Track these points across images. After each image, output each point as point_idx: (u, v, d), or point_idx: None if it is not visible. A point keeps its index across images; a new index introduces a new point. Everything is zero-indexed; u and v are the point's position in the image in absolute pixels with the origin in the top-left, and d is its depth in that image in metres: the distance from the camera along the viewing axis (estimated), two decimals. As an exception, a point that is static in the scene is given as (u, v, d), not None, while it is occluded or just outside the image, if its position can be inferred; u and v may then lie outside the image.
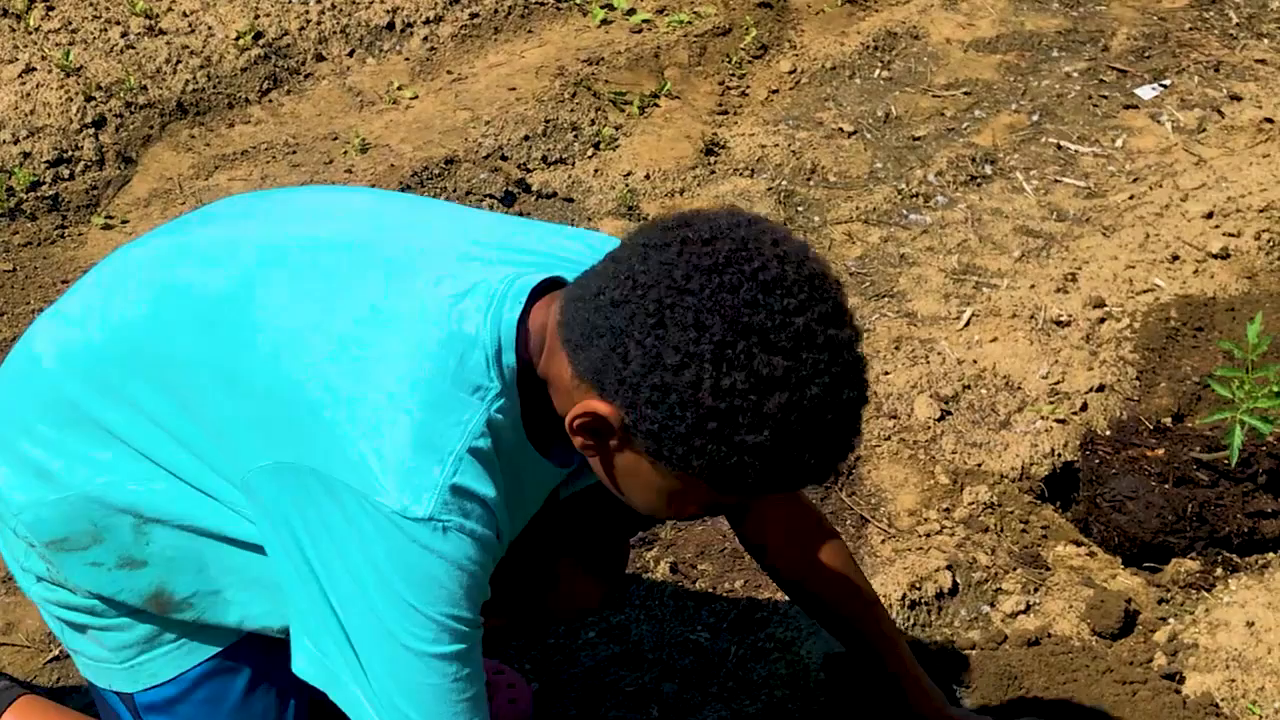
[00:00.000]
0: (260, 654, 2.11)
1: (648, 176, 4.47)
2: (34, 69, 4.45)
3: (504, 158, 4.48)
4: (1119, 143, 4.70)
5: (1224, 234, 4.13)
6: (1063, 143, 4.72)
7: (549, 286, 1.90)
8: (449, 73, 5.01)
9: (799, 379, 1.66)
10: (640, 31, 5.26)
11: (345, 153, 4.47)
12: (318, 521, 1.81)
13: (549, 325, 1.84)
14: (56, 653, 2.81)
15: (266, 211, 2.10)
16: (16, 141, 4.23)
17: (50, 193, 4.18)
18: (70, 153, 4.29)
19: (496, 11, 5.28)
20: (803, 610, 2.61)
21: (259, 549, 1.93)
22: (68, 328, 2.05)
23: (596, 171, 4.50)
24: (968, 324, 3.82)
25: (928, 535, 3.17)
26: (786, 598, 2.97)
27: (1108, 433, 3.44)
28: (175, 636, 2.11)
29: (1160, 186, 4.42)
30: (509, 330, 1.84)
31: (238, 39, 4.82)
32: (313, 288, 1.90)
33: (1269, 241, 4.09)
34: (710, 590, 3.04)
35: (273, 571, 1.90)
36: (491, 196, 4.25)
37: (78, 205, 4.20)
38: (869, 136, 4.77)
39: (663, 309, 1.67)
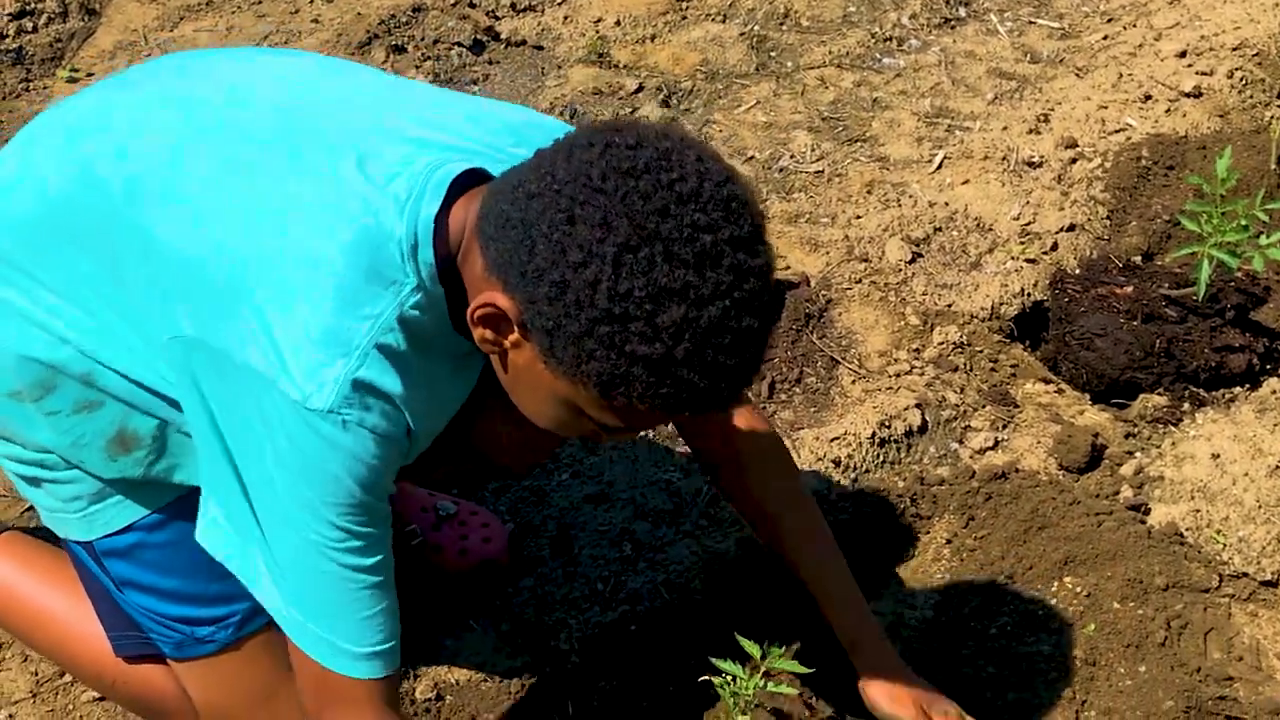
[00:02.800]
0: None
1: (618, 23, 4.42)
2: (-9, -80, 4.36)
3: (472, 5, 4.43)
4: (1094, -17, 4.66)
5: (1197, 73, 4.10)
6: (1037, -16, 4.67)
7: (472, 180, 1.87)
8: (415, -80, 4.93)
9: (697, 296, 1.64)
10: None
11: (311, 1, 4.41)
12: (228, 399, 1.82)
13: (469, 221, 1.82)
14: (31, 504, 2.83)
15: (200, 77, 2.06)
16: (-24, -6, 4.16)
17: (14, 45, 4.13)
18: (33, 4, 4.22)
19: None
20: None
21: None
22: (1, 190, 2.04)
23: (566, 19, 4.45)
24: (940, 167, 3.81)
25: (897, 375, 3.19)
26: (758, 438, 3.00)
27: (1077, 272, 3.46)
28: (123, 491, 2.13)
29: (1134, 26, 4.39)
30: (426, 225, 1.81)
31: (199, -113, 4.72)
32: (238, 162, 1.88)
33: (1241, 80, 4.08)
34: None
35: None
36: (460, 45, 4.20)
37: (42, 58, 4.14)
38: (842, -20, 4.71)
39: (574, 205, 1.65)
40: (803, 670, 2.35)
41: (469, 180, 1.86)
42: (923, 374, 3.19)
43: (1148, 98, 4.02)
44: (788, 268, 3.45)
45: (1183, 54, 4.18)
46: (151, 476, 2.08)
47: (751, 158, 3.87)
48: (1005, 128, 3.94)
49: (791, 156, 3.86)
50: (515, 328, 1.74)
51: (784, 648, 2.28)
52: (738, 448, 2.38)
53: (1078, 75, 4.19)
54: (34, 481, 2.16)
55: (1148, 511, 2.89)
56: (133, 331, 1.92)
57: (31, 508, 2.82)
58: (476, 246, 1.78)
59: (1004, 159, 3.80)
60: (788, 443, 2.98)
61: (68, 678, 2.55)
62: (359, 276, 1.79)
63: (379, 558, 1.90)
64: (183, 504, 2.12)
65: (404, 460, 1.92)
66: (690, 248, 1.64)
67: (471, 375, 2.06)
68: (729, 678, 2.26)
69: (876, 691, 2.34)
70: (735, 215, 1.68)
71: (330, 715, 1.96)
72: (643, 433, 1.92)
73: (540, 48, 4.35)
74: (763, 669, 2.26)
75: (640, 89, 4.11)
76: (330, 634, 1.90)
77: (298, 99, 1.98)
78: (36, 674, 2.57)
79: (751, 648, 2.28)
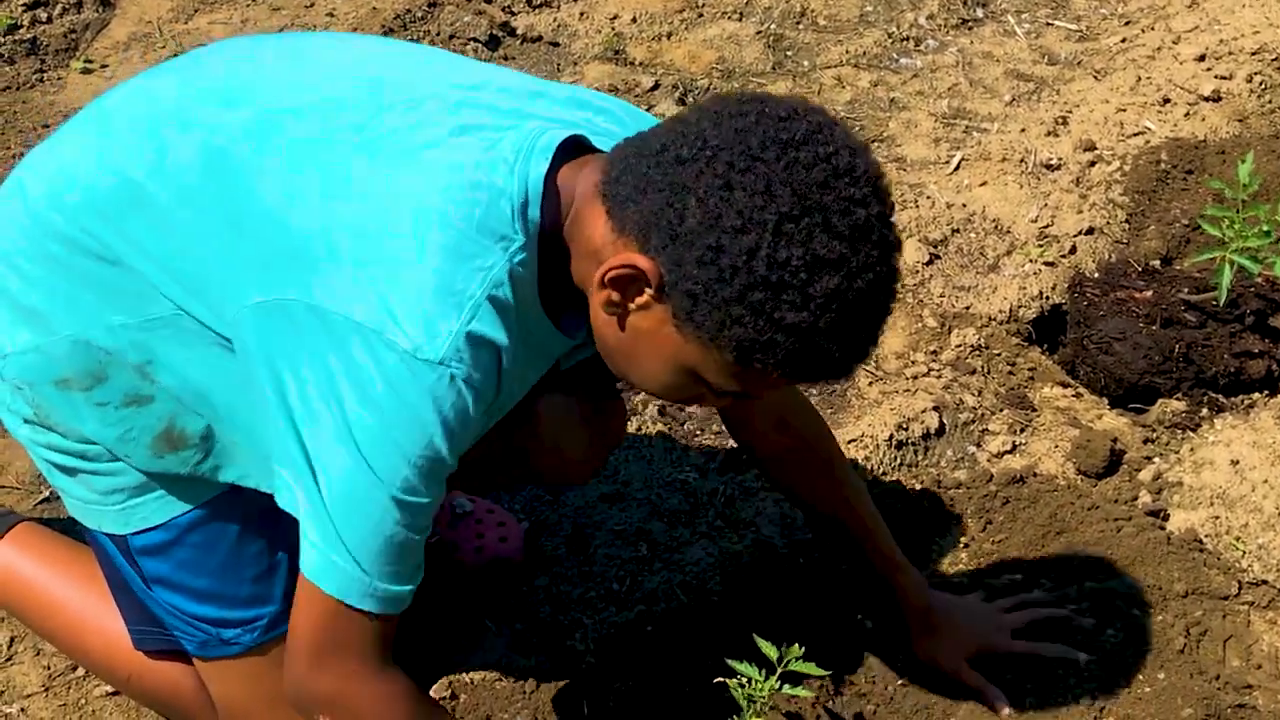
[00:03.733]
0: (253, 502, 2.10)
1: (634, 20, 4.41)
2: (7, -91, 4.35)
3: (488, 0, 4.41)
4: (1112, -15, 4.64)
5: (1216, 76, 4.09)
6: (1055, -15, 4.65)
7: (573, 148, 1.88)
8: (431, -86, 4.92)
9: (850, 269, 1.68)
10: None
11: (327, -4, 4.40)
12: (303, 357, 1.79)
13: (579, 187, 1.83)
14: (47, 494, 2.82)
15: (279, 54, 2.06)
16: (-9, -16, 4.15)
17: (28, 36, 4.12)
18: (47, -5, 4.21)
19: None
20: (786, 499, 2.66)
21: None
22: (63, 169, 2.02)
23: (582, 15, 4.43)
24: (957, 168, 3.80)
25: (915, 377, 3.17)
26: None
27: (1096, 275, 3.44)
28: (165, 486, 2.11)
29: (1152, 29, 4.37)
30: (536, 184, 1.82)
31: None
32: (329, 129, 1.88)
33: (1260, 84, 4.06)
34: (698, 432, 3.05)
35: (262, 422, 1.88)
36: (475, 40, 4.19)
37: (56, 49, 4.13)
38: (859, -21, 4.70)
39: (732, 171, 1.67)
40: (820, 673, 2.34)
41: (570, 149, 1.87)
42: (940, 376, 3.17)
43: (1166, 101, 4.01)
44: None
45: (1201, 58, 4.17)
46: (197, 474, 2.06)
47: (768, 157, 3.85)
48: (1023, 129, 3.92)
49: (808, 156, 3.84)
50: (650, 290, 1.74)
51: (801, 649, 2.26)
52: (790, 440, 2.41)
53: (1096, 78, 4.17)
54: (70, 471, 2.14)
55: (1166, 517, 2.87)
56: (207, 311, 1.90)
57: (46, 500, 2.81)
58: (597, 209, 1.79)
59: (1022, 161, 3.79)
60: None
61: (80, 671, 2.54)
62: (471, 229, 1.79)
63: (428, 517, 1.89)
64: (222, 502, 2.11)
65: (486, 423, 1.91)
66: (847, 220, 1.67)
67: (543, 363, 2.05)
68: (745, 679, 2.25)
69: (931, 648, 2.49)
70: (882, 193, 1.72)
71: (329, 663, 1.92)
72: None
73: (556, 44, 4.33)
74: (779, 671, 2.24)
75: (656, 86, 4.09)
76: (364, 572, 1.85)
77: (381, 71, 1.98)
78: (49, 668, 2.56)
79: (769, 649, 2.26)
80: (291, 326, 1.80)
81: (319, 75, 1.98)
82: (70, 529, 2.26)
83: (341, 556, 1.83)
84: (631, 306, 1.78)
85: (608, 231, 1.77)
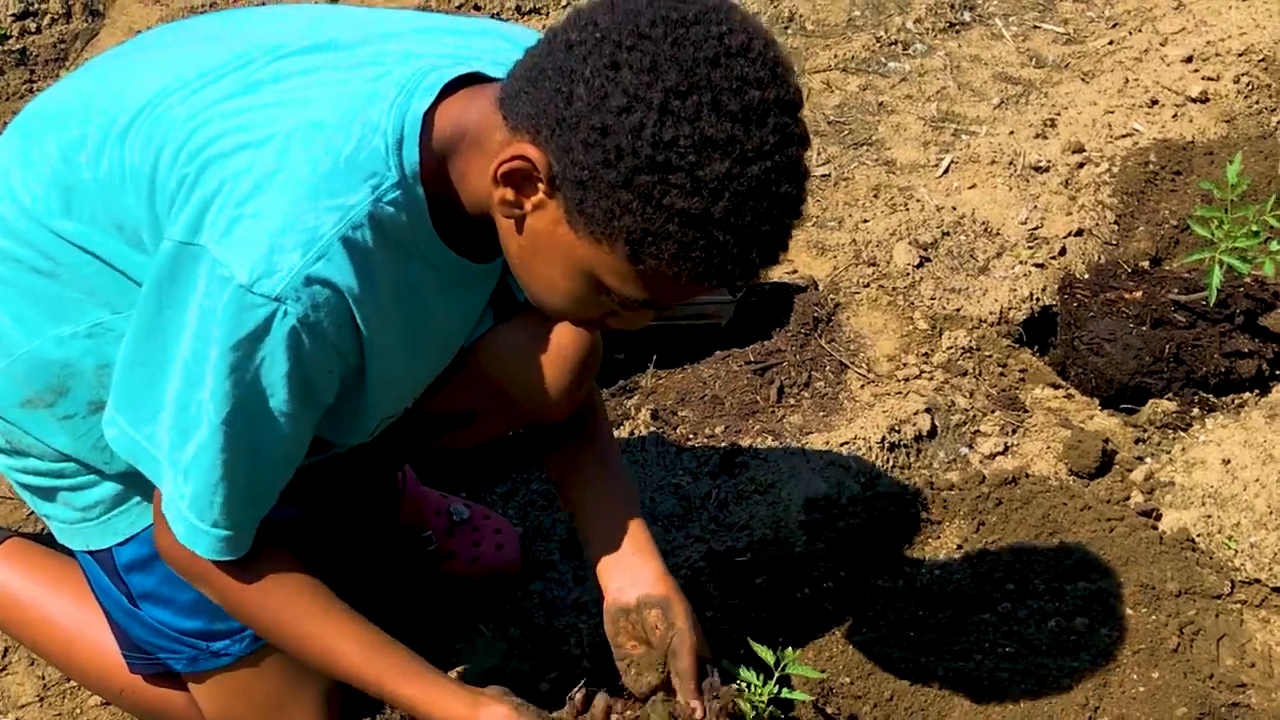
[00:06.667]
0: None
1: (623, 26, 4.40)
2: (-6, -80, 4.35)
3: (477, 6, 4.41)
4: (1098, -12, 4.65)
5: (1203, 78, 4.10)
6: (1042, -12, 4.66)
7: (469, 83, 1.82)
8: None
9: (742, 152, 1.59)
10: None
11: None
12: (171, 292, 1.78)
13: (475, 111, 1.77)
14: (39, 505, 2.82)
15: (207, 32, 2.03)
16: (-21, -5, 4.14)
17: (17, 46, 4.10)
18: (37, 5, 4.19)
19: None
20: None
21: None
22: None
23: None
24: (947, 171, 3.80)
25: (906, 380, 3.18)
26: (766, 443, 2.99)
27: (1086, 276, 3.45)
28: (143, 493, 2.11)
29: (1140, 31, 4.38)
30: (414, 121, 1.77)
31: (202, -112, 4.71)
32: (235, 82, 1.84)
33: (1248, 85, 4.07)
34: (690, 436, 3.05)
35: None
36: None
37: (45, 59, 4.12)
38: (846, -16, 4.71)
39: (619, 51, 1.60)
40: (817, 676, 2.34)
41: (467, 85, 1.82)
42: (932, 378, 3.18)
43: (1154, 103, 4.02)
44: (794, 271, 3.44)
45: (1189, 59, 4.18)
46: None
47: (758, 161, 3.85)
48: (1012, 132, 3.93)
49: (798, 160, 3.84)
50: (543, 183, 1.67)
51: (797, 653, 2.26)
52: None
53: (1083, 80, 4.18)
54: (50, 494, 2.14)
55: (1159, 517, 2.88)
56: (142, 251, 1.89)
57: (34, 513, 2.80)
58: (496, 115, 1.72)
59: (1011, 163, 3.79)
60: (795, 445, 2.97)
61: (74, 682, 2.53)
62: (338, 166, 1.74)
63: (285, 454, 1.88)
64: None
65: (345, 365, 1.84)
66: (738, 100, 1.59)
67: (469, 300, 2.00)
68: (742, 684, 2.25)
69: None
70: (782, 77, 1.63)
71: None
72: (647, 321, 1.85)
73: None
74: (776, 675, 2.24)
75: (646, 92, 4.09)
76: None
77: (291, 27, 1.94)
78: (44, 678, 2.55)
79: (765, 653, 2.26)
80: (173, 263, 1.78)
81: (236, 38, 1.94)
82: (61, 544, 2.25)
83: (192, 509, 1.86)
84: (528, 207, 1.71)
85: (504, 133, 1.71)
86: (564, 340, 2.16)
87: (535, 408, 2.22)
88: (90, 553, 2.19)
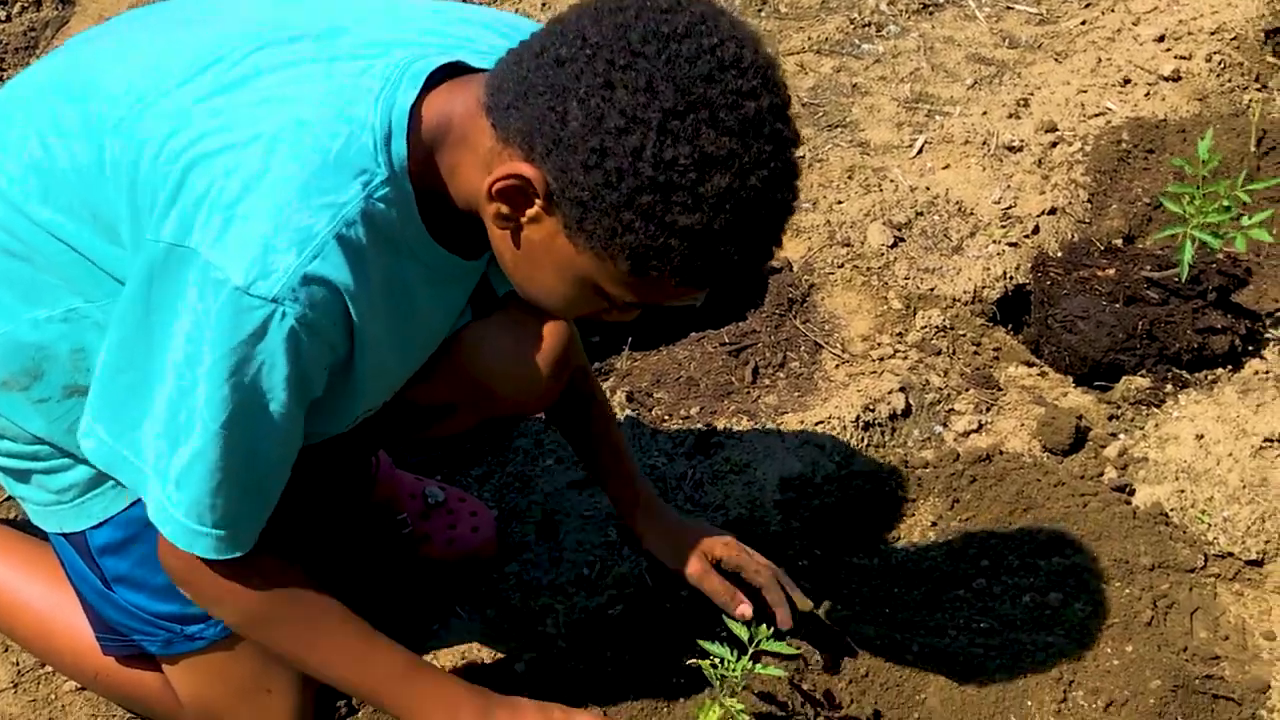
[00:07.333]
0: None
1: (596, 10, 4.39)
2: (-37, -92, 4.33)
3: None
4: (1071, -32, 4.66)
5: (1175, 57, 4.10)
6: (1015, -31, 4.67)
7: (453, 74, 1.82)
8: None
9: (742, 165, 1.62)
10: None
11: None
12: (159, 296, 1.76)
13: (460, 107, 1.76)
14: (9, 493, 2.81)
15: (178, 19, 2.01)
16: (-51, -17, 4.13)
17: (-14, 35, 4.10)
18: (5, -6, 4.19)
19: None
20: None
21: None
22: None
23: (544, 5, 4.43)
24: (920, 152, 3.81)
25: (881, 359, 3.19)
26: (741, 423, 3.00)
27: (1059, 255, 3.45)
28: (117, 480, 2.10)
29: (1112, 11, 4.39)
30: (401, 115, 1.76)
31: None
32: (212, 76, 1.82)
33: (1220, 63, 4.08)
34: (666, 417, 3.05)
35: None
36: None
37: (15, 47, 4.11)
38: (820, -34, 4.71)
39: (613, 69, 1.60)
40: (791, 652, 2.35)
41: (449, 75, 1.81)
42: (906, 358, 3.18)
43: (1127, 82, 4.03)
44: (769, 253, 3.44)
45: (1161, 38, 4.18)
46: None
47: (732, 144, 3.85)
48: (985, 112, 3.93)
49: (772, 142, 3.84)
50: (539, 200, 1.68)
51: (771, 630, 2.27)
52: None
53: (1056, 60, 4.18)
54: (24, 476, 2.14)
55: (1132, 492, 2.89)
56: (119, 245, 1.87)
57: (10, 499, 2.79)
58: (482, 122, 1.72)
59: (984, 143, 3.80)
60: (770, 425, 2.98)
61: (49, 668, 2.53)
62: (328, 163, 1.73)
63: (276, 452, 1.87)
64: None
65: (334, 357, 1.84)
66: (735, 115, 1.61)
67: (454, 295, 2.00)
68: (717, 660, 2.25)
69: (660, 547, 2.43)
70: (772, 84, 1.65)
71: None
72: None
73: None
74: (751, 651, 2.25)
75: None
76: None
77: (272, 15, 1.92)
78: (18, 664, 2.55)
79: (740, 630, 2.27)
80: (162, 267, 1.77)
81: (213, 22, 1.93)
82: (34, 527, 2.25)
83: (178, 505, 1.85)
84: (523, 219, 1.72)
85: (494, 142, 1.71)
86: (542, 334, 2.17)
87: (516, 400, 2.23)
88: (64, 535, 2.18)
